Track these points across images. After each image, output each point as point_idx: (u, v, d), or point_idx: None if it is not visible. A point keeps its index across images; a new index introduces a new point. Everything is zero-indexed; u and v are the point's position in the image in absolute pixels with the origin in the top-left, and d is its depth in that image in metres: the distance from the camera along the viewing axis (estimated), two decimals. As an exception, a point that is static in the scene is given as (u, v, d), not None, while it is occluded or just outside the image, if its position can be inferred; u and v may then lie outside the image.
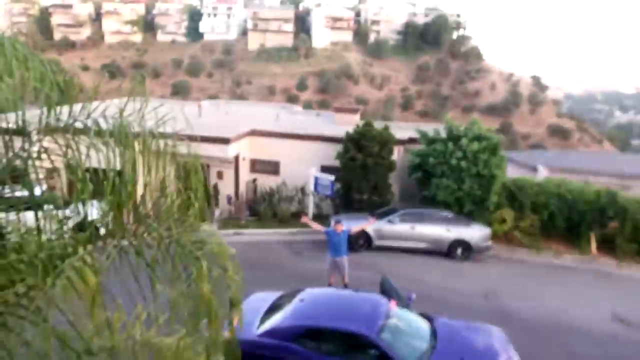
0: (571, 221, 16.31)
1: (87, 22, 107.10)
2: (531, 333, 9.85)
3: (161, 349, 4.51)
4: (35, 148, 3.94)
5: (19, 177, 3.98)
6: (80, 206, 4.04)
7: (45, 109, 3.96)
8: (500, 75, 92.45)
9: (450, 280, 12.73)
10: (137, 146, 4.32)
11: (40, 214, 3.89)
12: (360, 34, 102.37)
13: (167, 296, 3.97)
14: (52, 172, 4.16)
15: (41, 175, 4.05)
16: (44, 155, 3.97)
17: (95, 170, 4.10)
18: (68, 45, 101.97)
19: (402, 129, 18.66)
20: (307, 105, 52.19)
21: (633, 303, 12.32)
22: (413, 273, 12.76)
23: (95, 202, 4.15)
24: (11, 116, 3.91)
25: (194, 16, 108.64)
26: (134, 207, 4.33)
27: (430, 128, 17.76)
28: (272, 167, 18.05)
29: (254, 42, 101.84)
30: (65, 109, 4.04)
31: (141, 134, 4.31)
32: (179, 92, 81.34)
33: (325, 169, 17.11)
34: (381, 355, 7.22)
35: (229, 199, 16.90)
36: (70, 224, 4.07)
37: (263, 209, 16.73)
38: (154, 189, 4.43)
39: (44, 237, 3.85)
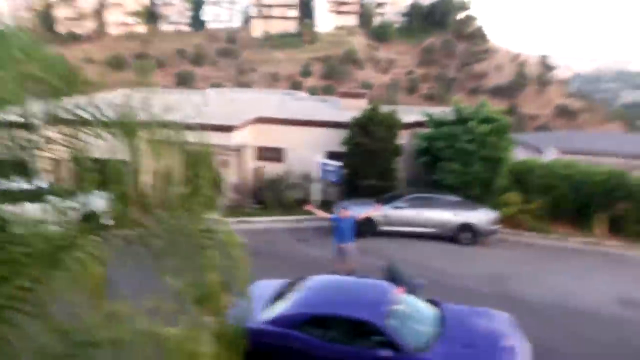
0: (579, 203, 16.14)
1: (91, 15, 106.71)
2: (538, 317, 9.81)
3: (166, 339, 4.52)
4: (39, 139, 3.90)
5: (23, 168, 3.95)
6: (85, 197, 4.02)
7: (50, 100, 3.91)
8: (507, 56, 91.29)
9: (457, 265, 12.69)
10: (143, 135, 4.27)
11: (45, 205, 3.87)
12: (364, 17, 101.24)
13: (174, 287, 3.95)
14: (57, 164, 4.13)
15: (47, 167, 4.03)
16: (49, 147, 3.94)
17: (101, 161, 4.05)
18: (72, 38, 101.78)
19: (408, 113, 18.48)
20: (312, 92, 51.92)
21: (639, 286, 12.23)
22: (419, 258, 12.72)
23: (101, 193, 4.12)
24: (15, 108, 3.86)
25: (198, 5, 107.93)
26: (140, 197, 4.30)
27: (438, 111, 17.58)
28: (277, 154, 18.00)
29: (257, 29, 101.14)
30: (70, 100, 4.00)
31: (147, 122, 4.26)
32: (184, 81, 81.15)
33: (331, 155, 17.02)
34: (387, 341, 7.22)
35: (234, 187, 16.89)
36: (77, 215, 4.05)
37: (268, 196, 16.71)
38: (162, 178, 4.40)
39: (48, 229, 3.84)
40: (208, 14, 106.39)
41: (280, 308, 7.93)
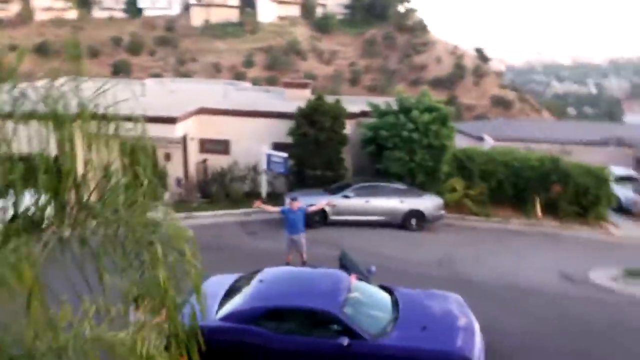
0: (518, 187, 16.89)
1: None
2: (487, 297, 10.14)
3: (114, 344, 4.20)
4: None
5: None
6: (13, 195, 3.64)
7: None
8: (446, 48, 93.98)
9: (406, 251, 12.91)
10: (75, 127, 3.95)
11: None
12: (307, 8, 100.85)
13: (118, 287, 3.66)
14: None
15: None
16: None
17: (29, 156, 3.70)
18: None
19: (353, 103, 18.53)
20: (255, 82, 51.17)
21: (577, 261, 12.97)
22: (370, 246, 12.83)
23: (31, 190, 3.76)
24: None
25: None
26: (75, 192, 3.97)
27: (382, 101, 17.74)
28: (222, 147, 17.53)
29: (197, 17, 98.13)
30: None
31: (80, 114, 3.93)
32: (120, 71, 77.62)
33: (277, 146, 16.80)
34: (345, 329, 7.19)
35: (178, 181, 16.31)
36: (4, 215, 3.68)
37: (215, 190, 16.28)
38: (96, 170, 4.07)
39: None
40: (144, 0, 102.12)
41: (234, 303, 7.70)
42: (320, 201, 14.11)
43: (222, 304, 7.79)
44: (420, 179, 15.94)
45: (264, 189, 16.75)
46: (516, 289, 10.83)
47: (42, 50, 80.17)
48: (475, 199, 16.32)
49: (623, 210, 18.33)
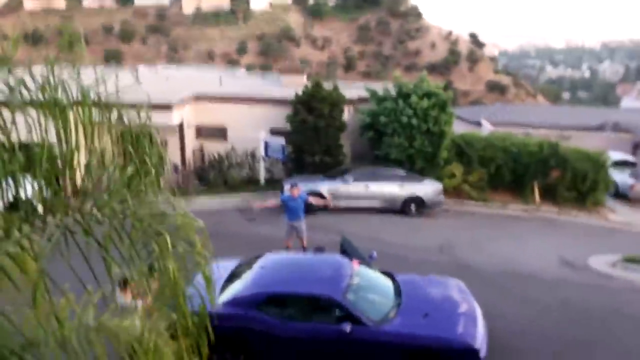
0: (516, 173, 16.86)
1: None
2: (487, 283, 10.12)
3: (118, 333, 4.12)
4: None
5: None
6: (11, 183, 3.53)
7: None
8: (440, 34, 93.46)
9: (406, 236, 12.88)
10: (74, 115, 3.84)
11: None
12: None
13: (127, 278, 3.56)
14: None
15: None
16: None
17: (27, 144, 3.59)
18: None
19: (350, 89, 18.38)
20: (249, 70, 50.76)
21: (576, 247, 12.99)
22: (370, 231, 12.78)
23: (29, 176, 3.65)
24: None
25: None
26: (74, 180, 3.86)
27: (379, 86, 17.60)
28: (219, 133, 17.37)
29: (189, 5, 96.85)
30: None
31: (78, 101, 3.82)
32: (112, 59, 76.69)
33: (275, 133, 16.66)
34: (347, 315, 7.14)
35: (175, 167, 16.16)
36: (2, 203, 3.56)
37: (212, 176, 16.16)
38: (99, 159, 3.96)
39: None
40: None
41: (236, 289, 7.63)
42: (319, 187, 14.10)
43: (223, 289, 7.72)
44: (419, 165, 15.89)
45: (262, 176, 16.64)
46: (516, 275, 10.82)
47: (33, 39, 79.04)
48: (474, 185, 16.30)
49: (620, 195, 18.38)
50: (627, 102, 43.73)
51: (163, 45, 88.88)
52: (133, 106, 4.15)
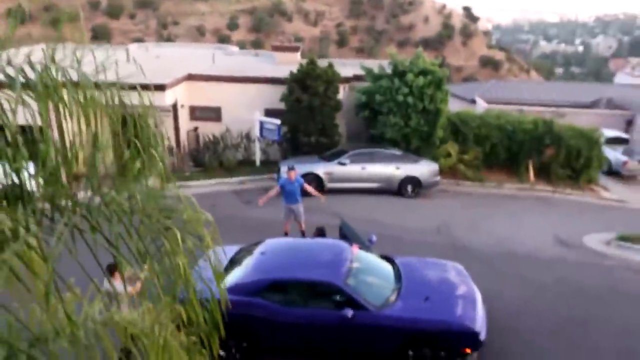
0: (511, 151, 16.89)
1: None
2: (484, 263, 10.23)
3: (125, 327, 4.11)
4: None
5: None
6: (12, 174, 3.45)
7: None
8: (433, 7, 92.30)
9: (403, 218, 12.92)
10: (65, 97, 3.72)
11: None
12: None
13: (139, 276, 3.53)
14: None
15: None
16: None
17: (23, 129, 3.48)
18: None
19: (345, 66, 18.16)
20: (241, 45, 49.91)
21: (570, 226, 13.12)
22: (367, 213, 12.81)
23: (31, 165, 3.56)
24: None
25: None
26: (69, 168, 3.77)
27: (375, 64, 17.39)
28: (213, 114, 17.15)
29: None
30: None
31: (69, 82, 3.69)
32: (99, 36, 75.04)
33: (270, 113, 16.49)
34: (348, 301, 7.19)
35: (170, 150, 16.00)
36: None
37: (207, 158, 16.03)
38: (101, 149, 3.86)
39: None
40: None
41: (237, 276, 7.64)
42: (315, 168, 14.06)
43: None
44: (415, 144, 15.84)
45: (257, 157, 16.53)
46: (512, 255, 10.94)
47: (15, 15, 76.86)
48: (469, 164, 16.31)
49: (613, 172, 18.52)
50: (620, 78, 43.67)
51: (152, 20, 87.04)
52: (132, 87, 4.03)
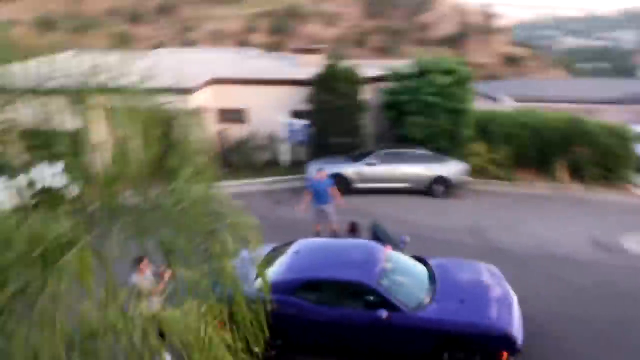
0: (540, 150, 16.55)
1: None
2: (519, 265, 10.05)
3: (170, 322, 4.16)
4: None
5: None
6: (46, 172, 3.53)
7: None
8: (452, 5, 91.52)
9: (434, 218, 12.78)
10: (99, 102, 3.78)
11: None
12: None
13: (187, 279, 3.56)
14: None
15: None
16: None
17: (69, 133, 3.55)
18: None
19: (368, 67, 18.08)
20: (261, 49, 50.23)
21: (606, 227, 12.75)
22: (397, 214, 12.71)
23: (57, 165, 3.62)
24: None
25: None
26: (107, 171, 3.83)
27: (399, 64, 17.28)
28: (239, 116, 17.27)
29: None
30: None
31: (102, 88, 3.76)
32: (122, 42, 76.39)
33: (296, 114, 16.52)
34: (382, 302, 7.14)
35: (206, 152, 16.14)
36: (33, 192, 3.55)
37: (235, 160, 16.14)
38: (134, 150, 3.91)
39: (30, 224, 3.31)
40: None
41: (271, 274, 7.64)
42: (344, 169, 14.02)
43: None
44: (442, 144, 15.64)
45: (284, 158, 16.57)
46: (549, 257, 10.71)
47: (42, 24, 78.82)
48: (499, 163, 16.04)
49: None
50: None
51: (172, 26, 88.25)
52: (160, 91, 4.07)
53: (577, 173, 16.19)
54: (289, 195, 14.12)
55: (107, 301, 3.26)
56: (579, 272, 9.97)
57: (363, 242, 8.73)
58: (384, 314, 7.06)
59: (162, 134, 4.19)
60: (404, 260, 8.38)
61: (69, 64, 3.78)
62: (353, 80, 15.98)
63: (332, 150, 15.67)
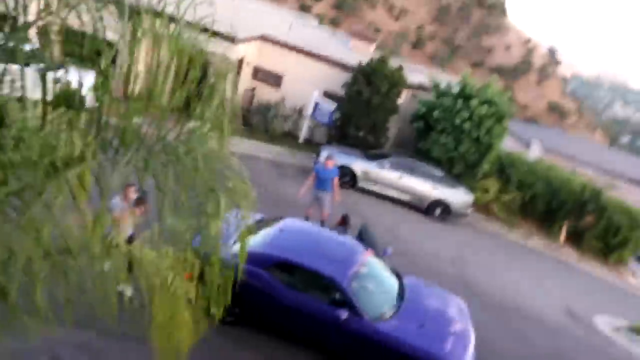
0: (550, 206, 16.48)
1: None
2: (489, 310, 10.12)
3: (142, 259, 4.29)
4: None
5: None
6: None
7: None
8: (518, 37, 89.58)
9: (423, 238, 12.85)
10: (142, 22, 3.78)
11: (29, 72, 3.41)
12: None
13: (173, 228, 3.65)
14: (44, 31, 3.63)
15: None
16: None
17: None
18: None
19: (413, 72, 17.96)
20: (320, 19, 49.72)
21: (585, 300, 12.79)
22: (390, 223, 12.79)
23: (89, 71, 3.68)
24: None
25: None
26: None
27: (444, 79, 17.13)
28: (274, 80, 17.28)
29: None
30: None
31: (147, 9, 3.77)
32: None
33: (328, 95, 16.51)
34: (346, 302, 7.24)
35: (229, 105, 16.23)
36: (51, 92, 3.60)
37: (256, 121, 16.22)
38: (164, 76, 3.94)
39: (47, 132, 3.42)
40: None
41: (251, 244, 7.76)
42: (354, 164, 14.05)
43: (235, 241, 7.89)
44: (457, 170, 15.62)
45: (303, 134, 16.63)
46: (518, 310, 10.76)
47: None
48: (505, 206, 16.01)
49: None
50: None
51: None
52: (205, 31, 4.03)
53: (577, 239, 16.14)
54: (295, 171, 14.20)
55: (93, 225, 3.38)
56: (542, 335, 10.03)
57: (347, 239, 8.80)
58: (344, 314, 7.15)
59: (199, 76, 4.18)
60: (380, 269, 8.45)
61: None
62: (394, 82, 15.89)
63: (351, 142, 15.72)
